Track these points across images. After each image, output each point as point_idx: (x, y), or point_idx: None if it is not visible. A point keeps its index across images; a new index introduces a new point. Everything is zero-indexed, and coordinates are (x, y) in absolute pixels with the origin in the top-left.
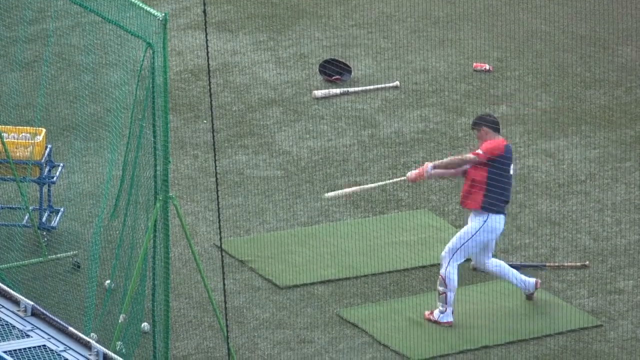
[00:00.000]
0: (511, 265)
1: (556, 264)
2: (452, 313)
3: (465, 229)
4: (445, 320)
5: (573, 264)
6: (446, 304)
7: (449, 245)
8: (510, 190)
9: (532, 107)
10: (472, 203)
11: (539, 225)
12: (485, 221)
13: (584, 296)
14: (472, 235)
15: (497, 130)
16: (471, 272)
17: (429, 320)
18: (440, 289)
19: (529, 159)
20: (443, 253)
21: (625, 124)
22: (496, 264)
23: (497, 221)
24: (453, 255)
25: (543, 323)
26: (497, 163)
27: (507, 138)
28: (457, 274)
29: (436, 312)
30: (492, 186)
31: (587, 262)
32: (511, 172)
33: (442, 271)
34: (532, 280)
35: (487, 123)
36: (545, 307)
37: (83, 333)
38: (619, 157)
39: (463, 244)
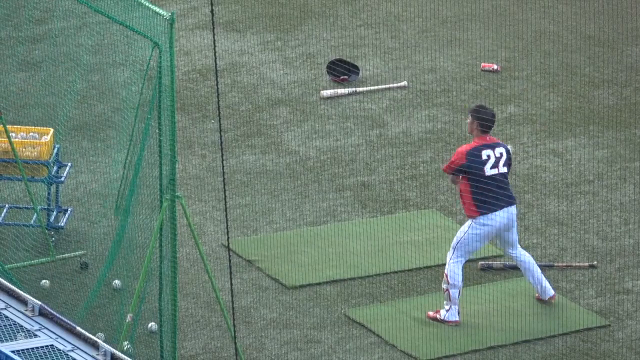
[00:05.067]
0: (517, 267)
1: (564, 264)
2: (459, 313)
3: (461, 228)
4: (451, 319)
5: (581, 264)
6: (450, 301)
7: (452, 243)
8: (497, 189)
9: (540, 107)
10: (468, 211)
11: (547, 226)
12: (472, 222)
13: (591, 296)
14: (463, 234)
15: (485, 128)
16: (478, 273)
17: (434, 319)
18: (444, 286)
19: (537, 159)
20: (448, 252)
21: (633, 123)
22: (521, 259)
23: (487, 219)
24: (453, 252)
25: (551, 323)
26: (468, 170)
27: (514, 138)
28: (458, 271)
29: (442, 312)
30: (475, 190)
31: (595, 262)
32: (489, 172)
33: (445, 269)
34: (551, 292)
35: (478, 118)
36: (553, 307)
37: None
38: (627, 157)
39: (457, 242)
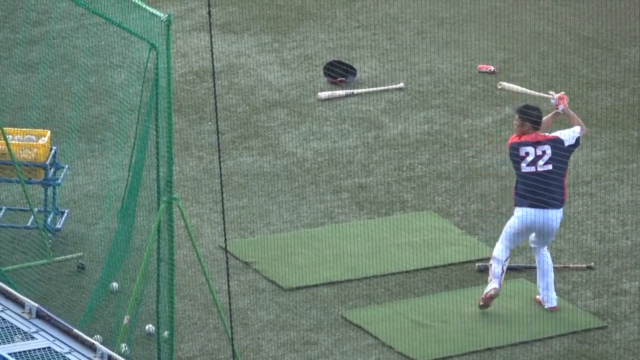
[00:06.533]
0: (516, 267)
1: (561, 265)
2: (500, 285)
3: None
4: (489, 288)
5: (578, 265)
6: (491, 274)
7: None
8: (529, 187)
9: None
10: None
11: None
12: (514, 213)
13: (589, 297)
14: (508, 223)
15: (535, 127)
16: (475, 274)
17: (484, 299)
18: (490, 262)
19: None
20: None
21: (630, 125)
22: (543, 259)
23: (519, 214)
24: (501, 236)
25: (548, 324)
26: (512, 162)
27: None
28: (503, 248)
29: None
30: (517, 182)
31: (592, 264)
32: (525, 169)
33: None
34: (555, 301)
35: (530, 119)
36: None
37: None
38: (624, 159)
39: (505, 227)
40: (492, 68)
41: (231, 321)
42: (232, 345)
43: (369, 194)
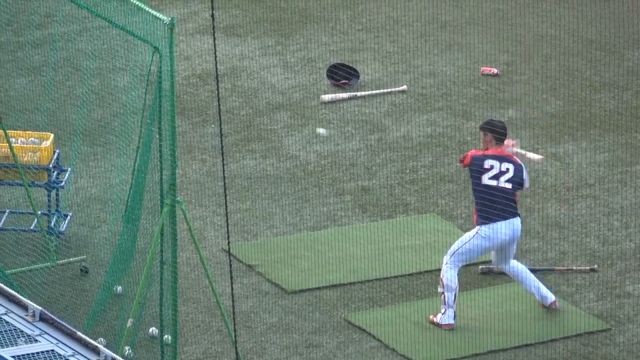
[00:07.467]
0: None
1: (564, 268)
2: (455, 317)
3: (465, 235)
4: (444, 323)
5: (581, 267)
6: (445, 304)
7: (450, 248)
8: (489, 200)
9: (540, 111)
10: (475, 218)
11: (547, 229)
12: (477, 232)
13: (592, 300)
14: (464, 243)
15: (500, 140)
16: (479, 277)
17: (432, 323)
18: (439, 290)
19: (537, 163)
20: (445, 256)
21: (633, 127)
22: (514, 269)
23: (491, 230)
24: (451, 257)
25: (551, 327)
26: (471, 174)
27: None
28: (454, 275)
29: (438, 315)
30: (476, 198)
31: (595, 266)
32: (486, 182)
33: (441, 273)
34: (552, 297)
35: (492, 131)
36: (553, 310)
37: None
38: (628, 161)
39: (459, 248)
40: (495, 70)
41: (234, 324)
42: (236, 348)
43: (372, 197)
